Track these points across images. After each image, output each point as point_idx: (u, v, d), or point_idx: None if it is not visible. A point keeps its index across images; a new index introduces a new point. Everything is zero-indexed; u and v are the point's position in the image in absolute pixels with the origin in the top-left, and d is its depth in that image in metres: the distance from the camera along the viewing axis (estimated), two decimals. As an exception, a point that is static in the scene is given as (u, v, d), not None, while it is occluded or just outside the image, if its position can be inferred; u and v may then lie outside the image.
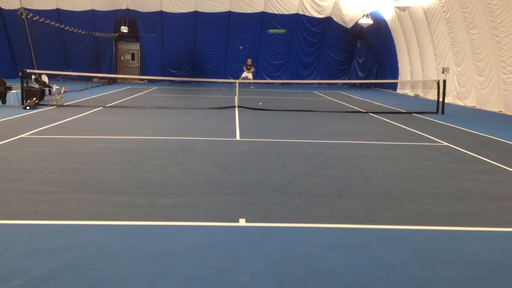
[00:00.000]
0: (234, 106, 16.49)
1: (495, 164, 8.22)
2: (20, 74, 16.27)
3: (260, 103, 17.81)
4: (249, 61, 28.81)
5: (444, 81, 17.21)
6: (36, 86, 16.32)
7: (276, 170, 7.36)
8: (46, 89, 17.14)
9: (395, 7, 23.81)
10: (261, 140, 9.96)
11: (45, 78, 18.35)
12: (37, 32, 27.21)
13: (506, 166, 8.08)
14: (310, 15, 31.08)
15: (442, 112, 16.23)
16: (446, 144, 10.21)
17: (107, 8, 30.55)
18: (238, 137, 10.29)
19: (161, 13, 30.70)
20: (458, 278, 3.84)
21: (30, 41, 25.40)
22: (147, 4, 30.45)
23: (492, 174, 7.52)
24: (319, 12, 30.97)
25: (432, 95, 21.02)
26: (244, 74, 28.54)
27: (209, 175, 6.91)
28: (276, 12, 30.95)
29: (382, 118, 14.62)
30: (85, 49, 31.10)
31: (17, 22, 26.65)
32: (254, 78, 29.23)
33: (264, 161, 7.97)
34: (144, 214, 5.18)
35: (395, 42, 27.59)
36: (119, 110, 15.09)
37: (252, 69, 29.05)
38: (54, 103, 15.85)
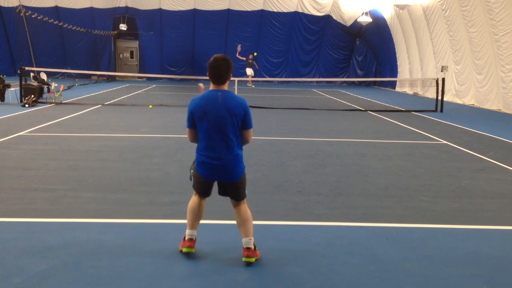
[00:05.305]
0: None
1: (494, 162, 8.23)
2: (18, 71, 16.24)
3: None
4: (251, 56, 28.13)
5: (443, 79, 17.21)
6: (35, 83, 16.29)
7: (275, 168, 7.37)
8: (45, 87, 17.11)
9: (394, 5, 23.80)
10: (260, 138, 9.95)
11: (43, 76, 18.31)
12: (35, 30, 27.14)
13: (504, 164, 8.09)
14: (309, 13, 31.06)
15: (441, 110, 16.23)
16: (445, 142, 10.22)
17: (106, 5, 30.50)
18: (237, 135, 10.25)
19: (160, 11, 30.65)
20: (457, 276, 3.85)
21: (28, 39, 25.31)
22: (146, 1, 30.40)
23: (491, 172, 7.53)
24: (318, 10, 30.94)
25: (431, 93, 21.04)
26: (249, 71, 27.72)
27: (208, 173, 6.89)
28: (275, 10, 30.92)
29: (381, 116, 14.63)
30: (84, 46, 31.06)
31: (15, 19, 26.57)
32: (254, 75, 29.04)
33: (263, 159, 7.96)
34: (143, 212, 5.18)
35: (394, 40, 27.58)
36: (117, 108, 15.07)
37: (256, 66, 28.16)
38: (53, 100, 15.83)
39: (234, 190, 4.02)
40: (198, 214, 4.13)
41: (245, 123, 3.90)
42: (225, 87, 3.93)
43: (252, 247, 3.94)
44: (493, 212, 5.53)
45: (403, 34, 25.98)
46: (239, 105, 3.86)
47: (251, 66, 27.68)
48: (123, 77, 31.91)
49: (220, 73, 3.86)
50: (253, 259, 3.92)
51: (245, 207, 4.05)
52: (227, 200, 5.64)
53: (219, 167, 3.88)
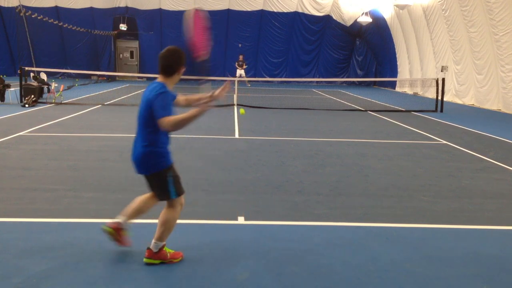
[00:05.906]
0: (233, 104, 16.48)
1: (494, 162, 8.23)
2: (18, 71, 16.23)
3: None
4: (241, 57, 28.45)
5: (443, 79, 17.21)
6: (35, 83, 16.29)
7: (275, 168, 7.36)
8: (45, 87, 17.11)
9: (394, 5, 23.80)
10: (260, 138, 9.95)
11: (43, 76, 18.31)
12: (35, 30, 27.14)
13: (504, 164, 8.09)
14: (309, 13, 31.05)
15: (441, 110, 16.23)
16: (445, 142, 10.22)
17: (106, 5, 30.50)
18: (237, 135, 10.28)
19: (160, 11, 30.65)
20: (457, 276, 3.85)
21: (28, 39, 25.31)
22: (146, 1, 30.40)
23: (491, 172, 7.53)
24: (318, 10, 30.94)
25: (431, 93, 21.03)
26: (238, 72, 28.08)
27: (207, 173, 6.90)
28: (275, 10, 30.91)
29: (381, 116, 14.63)
30: (84, 46, 31.06)
31: (15, 19, 26.55)
32: (254, 76, 29.07)
33: (263, 159, 7.96)
34: (143, 212, 5.17)
35: (394, 40, 27.58)
36: (117, 108, 15.07)
37: (244, 66, 28.53)
38: (53, 101, 15.83)
39: (151, 185, 3.93)
40: (138, 205, 4.07)
41: (153, 113, 3.61)
42: (170, 81, 3.81)
43: (155, 250, 3.84)
44: (493, 212, 5.53)
45: (403, 34, 25.97)
46: (152, 95, 3.64)
47: (241, 66, 27.83)
48: (123, 77, 31.90)
49: (165, 64, 3.79)
50: (156, 261, 3.85)
51: (166, 211, 3.87)
52: (226, 200, 5.67)
53: (133, 157, 3.86)
